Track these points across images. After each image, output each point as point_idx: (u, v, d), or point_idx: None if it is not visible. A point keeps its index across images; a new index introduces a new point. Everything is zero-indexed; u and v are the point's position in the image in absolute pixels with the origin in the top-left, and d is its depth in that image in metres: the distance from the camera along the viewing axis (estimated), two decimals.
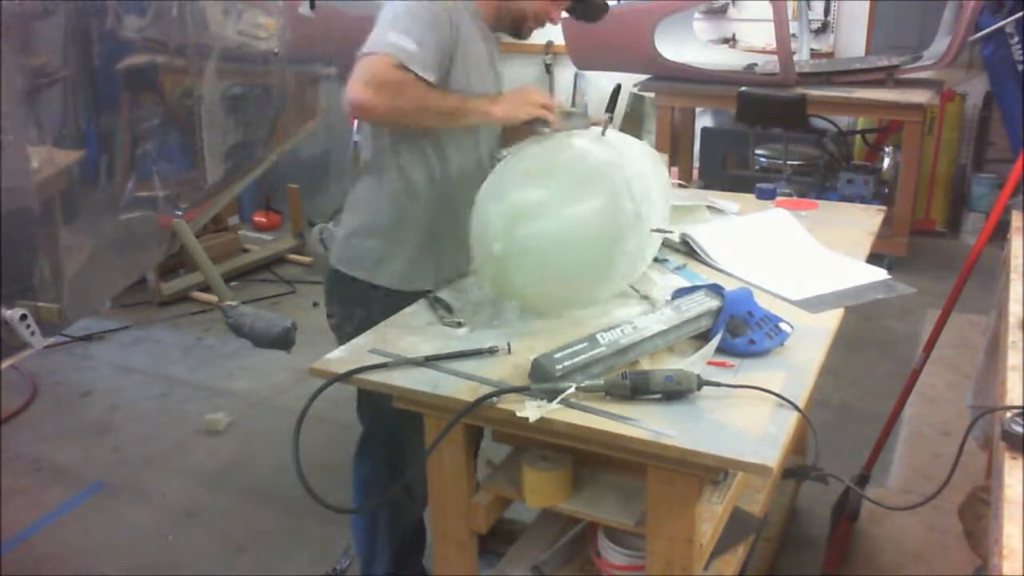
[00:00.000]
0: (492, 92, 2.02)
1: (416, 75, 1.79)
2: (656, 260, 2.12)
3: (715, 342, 1.60)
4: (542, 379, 1.51)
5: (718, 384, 1.51)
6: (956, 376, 3.42)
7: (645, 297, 1.87)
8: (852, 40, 5.70)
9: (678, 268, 2.07)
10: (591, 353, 1.53)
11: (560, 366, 1.50)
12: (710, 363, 1.58)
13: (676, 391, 1.48)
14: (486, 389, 1.53)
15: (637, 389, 1.47)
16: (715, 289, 1.73)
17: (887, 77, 4.78)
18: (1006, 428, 1.23)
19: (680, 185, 2.50)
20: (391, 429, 2.06)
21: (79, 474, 3.17)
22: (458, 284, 2.02)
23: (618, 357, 1.55)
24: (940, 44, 4.73)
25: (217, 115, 3.34)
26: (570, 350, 1.53)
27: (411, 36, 1.79)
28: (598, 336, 1.57)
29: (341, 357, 1.70)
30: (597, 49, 5.09)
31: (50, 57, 2.61)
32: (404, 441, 2.04)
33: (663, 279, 1.99)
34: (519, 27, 2.06)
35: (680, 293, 1.78)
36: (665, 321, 1.62)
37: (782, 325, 1.69)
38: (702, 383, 1.49)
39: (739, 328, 1.64)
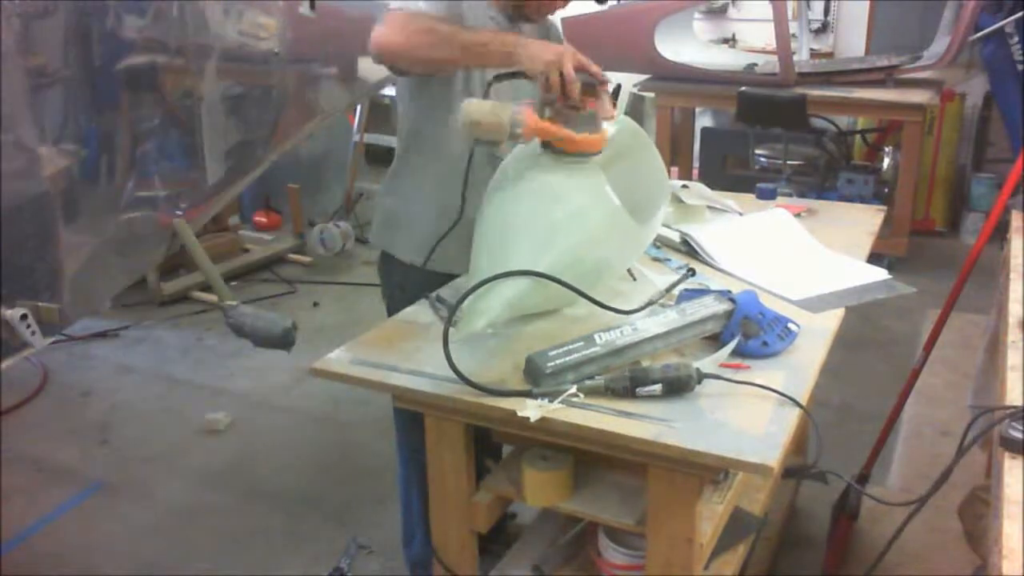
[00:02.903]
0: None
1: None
2: (657, 260, 2.12)
3: (732, 345, 1.60)
4: (534, 376, 1.51)
5: (718, 377, 1.51)
6: (956, 376, 3.42)
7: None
8: (852, 40, 5.70)
9: (680, 268, 2.07)
10: (585, 352, 1.53)
11: (551, 364, 1.50)
12: (723, 365, 1.57)
13: (675, 378, 1.48)
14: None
15: (636, 380, 1.48)
16: (724, 294, 1.73)
17: (887, 77, 4.78)
18: (1004, 434, 1.23)
19: (683, 186, 2.49)
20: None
21: (79, 474, 3.17)
22: (458, 284, 2.02)
23: (614, 357, 1.55)
24: (940, 44, 4.73)
25: (217, 115, 3.33)
26: (564, 348, 1.53)
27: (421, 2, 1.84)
28: (595, 336, 1.57)
29: (341, 357, 1.70)
30: (597, 49, 5.05)
31: (50, 57, 2.61)
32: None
33: (663, 279, 1.99)
34: (522, 8, 2.04)
35: (687, 296, 1.78)
36: (667, 323, 1.61)
37: (791, 326, 1.69)
38: (702, 376, 1.50)
39: (751, 329, 1.64)
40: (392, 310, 2.01)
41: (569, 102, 1.66)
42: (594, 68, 1.67)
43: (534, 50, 1.71)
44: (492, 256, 1.65)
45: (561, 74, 1.64)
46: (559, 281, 1.58)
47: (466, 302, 1.57)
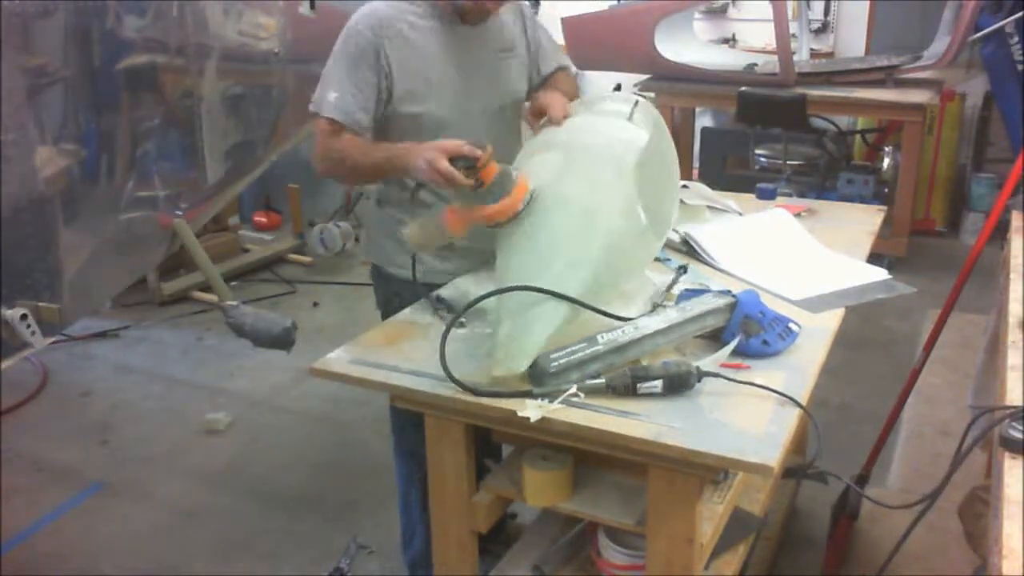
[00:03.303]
0: (463, 83, 2.02)
1: (352, 130, 1.94)
2: (657, 259, 2.12)
3: (733, 344, 1.60)
4: (538, 377, 1.51)
5: (717, 375, 1.51)
6: (956, 376, 3.42)
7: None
8: (852, 40, 5.70)
9: (680, 268, 2.07)
10: (589, 351, 1.53)
11: (555, 364, 1.50)
12: (724, 365, 1.57)
13: (675, 374, 1.48)
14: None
15: (637, 377, 1.48)
16: (724, 293, 1.73)
17: (887, 77, 4.77)
18: (1004, 435, 1.23)
19: (683, 186, 2.49)
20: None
21: (79, 474, 3.17)
22: (458, 284, 2.02)
23: (617, 355, 1.55)
24: (940, 44, 4.73)
25: (217, 115, 3.34)
26: (567, 350, 1.54)
27: (343, 84, 1.94)
28: (597, 336, 1.57)
29: (341, 357, 1.70)
30: (597, 49, 5.09)
31: (50, 57, 2.61)
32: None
33: (662, 279, 1.99)
34: (463, 13, 2.01)
35: (687, 295, 1.78)
36: (667, 320, 1.62)
37: (792, 326, 1.69)
38: (702, 374, 1.50)
39: (752, 328, 1.64)
40: (387, 318, 2.02)
41: (471, 184, 1.68)
42: (465, 149, 1.69)
43: (411, 161, 1.79)
44: (525, 276, 1.62)
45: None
46: (596, 309, 1.59)
47: (503, 333, 1.57)
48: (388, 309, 2.10)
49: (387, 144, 1.96)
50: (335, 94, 1.94)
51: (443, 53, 2.01)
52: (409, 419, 1.85)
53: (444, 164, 1.69)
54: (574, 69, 2.27)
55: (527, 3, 2.18)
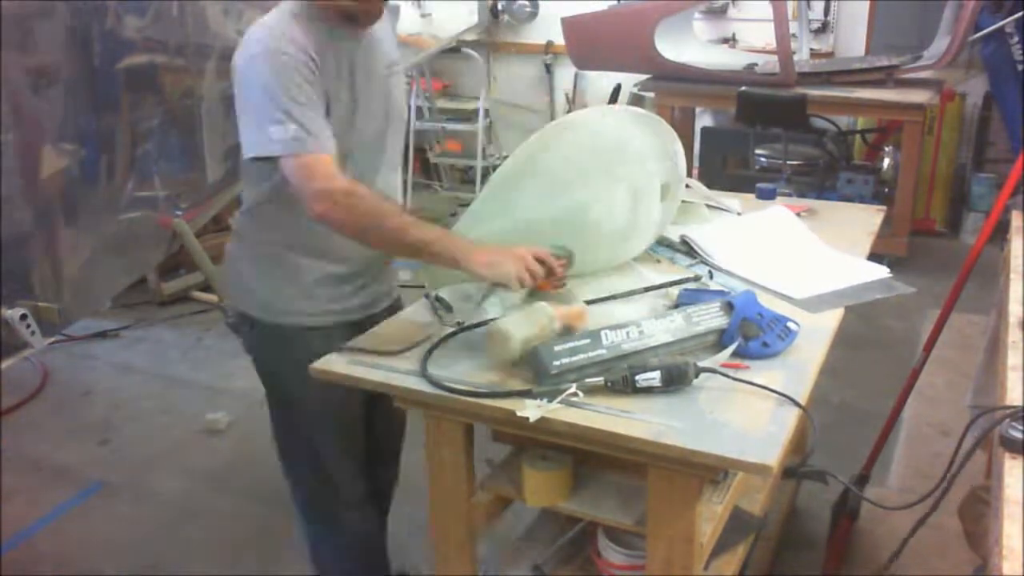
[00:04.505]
0: (356, 103, 1.80)
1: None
2: (669, 259, 2.13)
3: (732, 348, 1.60)
4: (538, 370, 1.50)
5: (714, 371, 1.52)
6: (956, 376, 3.42)
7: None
8: (852, 40, 5.69)
9: (691, 266, 2.07)
10: (591, 354, 1.53)
11: (557, 363, 1.50)
12: (724, 365, 1.57)
13: (673, 366, 1.49)
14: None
15: (635, 369, 1.48)
16: (722, 295, 1.73)
17: (887, 77, 4.77)
18: (1004, 434, 1.23)
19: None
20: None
21: (79, 474, 3.17)
22: (458, 284, 2.02)
23: (618, 361, 1.55)
24: (940, 44, 4.73)
25: (217, 115, 3.34)
26: (570, 345, 1.53)
27: (305, 110, 1.67)
28: (602, 335, 1.56)
29: (341, 357, 1.70)
30: (597, 49, 5.09)
31: (50, 57, 2.61)
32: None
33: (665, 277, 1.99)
34: (351, 16, 1.77)
35: (688, 297, 1.78)
36: (673, 331, 1.61)
37: (790, 325, 1.69)
38: (699, 371, 1.50)
39: (751, 331, 1.64)
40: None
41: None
42: (551, 261, 1.69)
43: (490, 258, 1.64)
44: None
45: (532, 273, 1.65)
46: None
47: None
48: (294, 370, 1.76)
49: (431, 226, 1.72)
50: (295, 125, 1.65)
51: (337, 69, 1.77)
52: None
53: (537, 267, 1.65)
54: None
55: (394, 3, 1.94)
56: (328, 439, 2.00)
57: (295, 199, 1.70)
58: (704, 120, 6.07)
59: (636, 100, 6.02)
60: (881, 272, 2.05)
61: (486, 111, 6.14)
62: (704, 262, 2.10)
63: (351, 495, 2.07)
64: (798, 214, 2.40)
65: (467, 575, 1.77)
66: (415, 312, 1.91)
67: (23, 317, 2.45)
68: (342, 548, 2.14)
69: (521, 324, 1.58)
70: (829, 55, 5.67)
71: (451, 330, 1.76)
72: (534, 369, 1.52)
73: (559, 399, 1.47)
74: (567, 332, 1.62)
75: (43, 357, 3.89)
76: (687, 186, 2.48)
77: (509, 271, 1.63)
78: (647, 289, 1.91)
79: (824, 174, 5.13)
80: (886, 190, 5.16)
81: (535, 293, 1.72)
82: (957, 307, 2.35)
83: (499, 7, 6.16)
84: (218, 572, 2.66)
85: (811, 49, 5.63)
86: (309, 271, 1.88)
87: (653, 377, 1.48)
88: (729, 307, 1.67)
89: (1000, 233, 2.29)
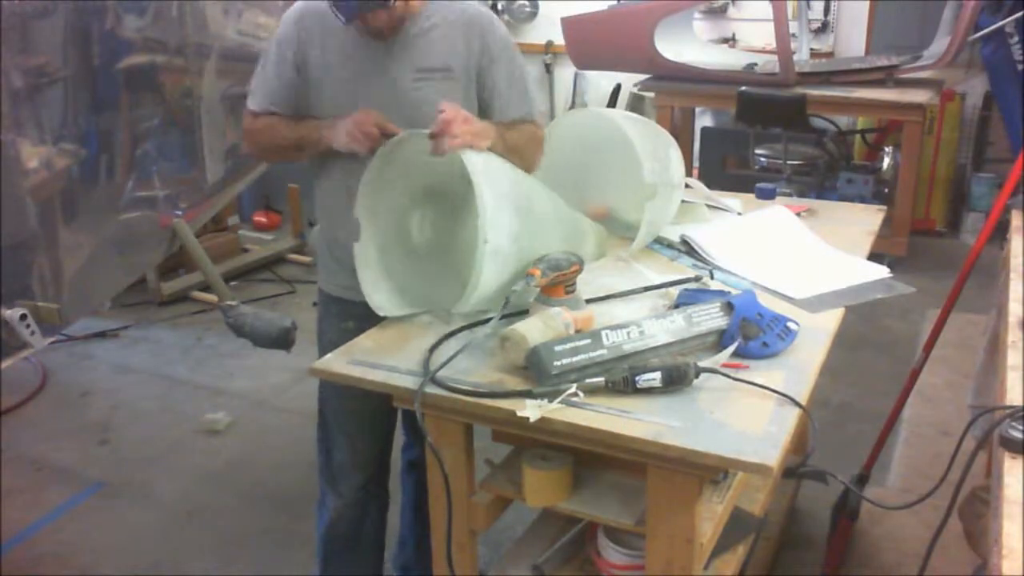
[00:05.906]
0: (360, 74, 1.89)
1: (270, 113, 1.95)
2: (672, 260, 2.13)
3: (731, 348, 1.60)
4: (539, 370, 1.51)
5: (714, 371, 1.52)
6: (956, 376, 3.42)
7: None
8: (852, 40, 5.69)
9: (695, 266, 2.07)
10: (592, 354, 1.53)
11: (558, 363, 1.49)
12: (724, 365, 1.57)
13: (673, 366, 1.49)
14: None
15: (636, 370, 1.48)
16: (722, 295, 1.73)
17: (887, 77, 4.77)
18: (1004, 434, 1.23)
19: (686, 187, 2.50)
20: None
21: (79, 474, 3.17)
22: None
23: (619, 362, 1.54)
24: (940, 44, 4.73)
25: (217, 115, 3.34)
26: (571, 345, 1.53)
27: (263, 72, 1.96)
28: (603, 335, 1.56)
29: (340, 357, 1.70)
30: (597, 49, 5.09)
31: (50, 57, 2.61)
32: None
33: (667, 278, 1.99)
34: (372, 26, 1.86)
35: (688, 297, 1.78)
36: (673, 331, 1.61)
37: (790, 325, 1.69)
38: (699, 371, 1.50)
39: (751, 331, 1.64)
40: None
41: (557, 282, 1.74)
42: (389, 126, 1.80)
43: (332, 125, 1.84)
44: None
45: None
46: None
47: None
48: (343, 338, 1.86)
49: (311, 123, 1.93)
50: (255, 83, 1.98)
51: (344, 60, 1.88)
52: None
53: (370, 127, 1.77)
54: (543, 130, 2.02)
55: (506, 40, 1.95)
56: (336, 417, 2.13)
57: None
58: (704, 120, 6.07)
59: (636, 100, 6.03)
60: (881, 272, 2.06)
61: None
62: (704, 262, 2.10)
63: (341, 477, 2.15)
64: (798, 214, 2.40)
65: (467, 575, 1.77)
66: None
67: (23, 317, 2.45)
68: (326, 525, 2.22)
69: (538, 329, 1.59)
70: (829, 55, 5.67)
71: (451, 330, 1.76)
72: (535, 369, 1.52)
73: (559, 399, 1.47)
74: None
75: (43, 357, 3.89)
76: (687, 186, 2.49)
77: (340, 132, 1.81)
78: (647, 289, 1.92)
79: (824, 174, 5.13)
80: (886, 190, 5.16)
81: (548, 299, 1.72)
82: (957, 307, 2.35)
83: (499, 7, 6.16)
84: (218, 572, 2.66)
85: (811, 49, 5.63)
86: (327, 243, 2.08)
87: (654, 377, 1.48)
88: (729, 307, 1.67)
89: (1000, 233, 2.29)
